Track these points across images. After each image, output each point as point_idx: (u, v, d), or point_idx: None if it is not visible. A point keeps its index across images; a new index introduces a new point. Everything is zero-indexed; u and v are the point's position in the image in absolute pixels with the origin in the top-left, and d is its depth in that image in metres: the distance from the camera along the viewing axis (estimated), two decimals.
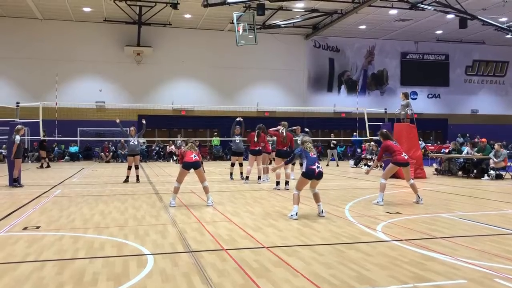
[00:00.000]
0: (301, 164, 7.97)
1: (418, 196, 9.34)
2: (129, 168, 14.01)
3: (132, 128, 14.21)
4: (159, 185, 13.28)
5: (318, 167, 7.72)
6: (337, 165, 22.74)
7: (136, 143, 13.92)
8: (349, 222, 7.32)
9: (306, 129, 16.48)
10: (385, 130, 9.85)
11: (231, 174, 14.95)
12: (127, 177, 13.99)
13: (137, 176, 14.09)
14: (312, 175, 7.72)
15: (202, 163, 9.18)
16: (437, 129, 34.12)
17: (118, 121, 14.31)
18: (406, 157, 9.28)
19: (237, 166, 14.95)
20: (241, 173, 14.79)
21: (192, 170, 8.84)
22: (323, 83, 32.26)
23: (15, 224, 7.17)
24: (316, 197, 7.98)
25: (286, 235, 6.32)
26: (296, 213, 7.73)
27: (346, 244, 5.80)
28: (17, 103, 14.36)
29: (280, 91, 31.05)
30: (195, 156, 8.79)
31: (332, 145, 23.91)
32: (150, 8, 24.83)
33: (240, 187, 12.54)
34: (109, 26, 27.97)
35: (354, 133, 26.72)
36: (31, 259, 5.14)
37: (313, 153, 7.88)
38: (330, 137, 24.79)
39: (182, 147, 9.27)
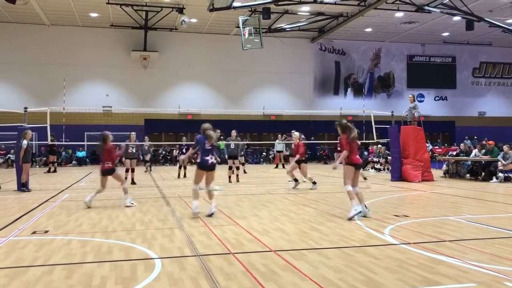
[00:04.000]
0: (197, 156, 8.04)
1: (365, 206, 8.07)
2: (127, 170, 14.81)
3: (132, 134, 15.34)
4: (165, 189, 13.32)
5: (211, 157, 7.96)
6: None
7: (134, 150, 15.06)
8: (357, 225, 7.29)
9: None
10: (344, 121, 8.39)
11: (230, 177, 15.34)
12: (126, 178, 14.32)
13: (132, 179, 14.72)
14: (205, 166, 7.92)
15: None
16: (444, 131, 33.95)
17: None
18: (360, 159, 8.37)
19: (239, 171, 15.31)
20: (237, 176, 15.44)
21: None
22: (329, 86, 32.24)
23: (23, 229, 7.21)
24: (210, 195, 8.13)
25: (294, 239, 6.31)
26: (197, 207, 7.92)
27: (354, 247, 5.78)
28: (25, 108, 14.45)
29: (286, 94, 31.05)
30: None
31: (338, 148, 23.76)
32: (156, 13, 24.95)
33: (247, 191, 12.54)
34: (115, 31, 28.13)
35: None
36: (40, 263, 5.17)
37: (209, 145, 8.01)
38: (337, 140, 24.63)
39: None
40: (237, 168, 15.42)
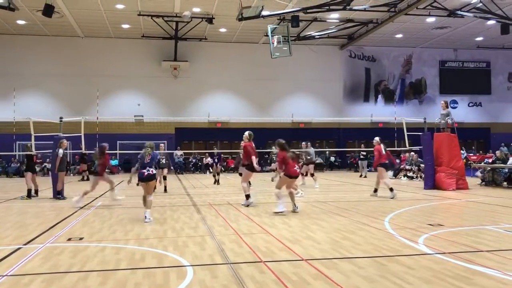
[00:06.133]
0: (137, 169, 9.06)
1: (295, 205, 9.78)
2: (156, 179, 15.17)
3: (161, 145, 16.32)
4: (196, 197, 13.42)
5: (148, 170, 8.91)
6: (365, 176, 22.21)
7: (164, 161, 15.51)
8: (390, 234, 7.16)
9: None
10: (282, 141, 9.93)
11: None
12: (155, 187, 14.95)
13: (165, 187, 15.16)
14: (141, 178, 8.89)
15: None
16: (479, 138, 33.03)
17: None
18: (298, 170, 9.95)
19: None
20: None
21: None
22: (360, 93, 31.90)
23: (59, 235, 7.40)
24: (148, 204, 8.94)
25: (325, 248, 6.24)
26: (148, 216, 8.77)
27: (387, 257, 5.67)
28: (61, 118, 14.90)
29: (316, 102, 30.89)
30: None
31: (361, 156, 23.49)
32: (186, 23, 25.32)
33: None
34: (147, 41, 28.70)
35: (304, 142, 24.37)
36: (76, 269, 5.29)
37: (148, 159, 9.01)
38: (361, 147, 24.33)
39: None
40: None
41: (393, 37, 29.47)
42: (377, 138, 13.01)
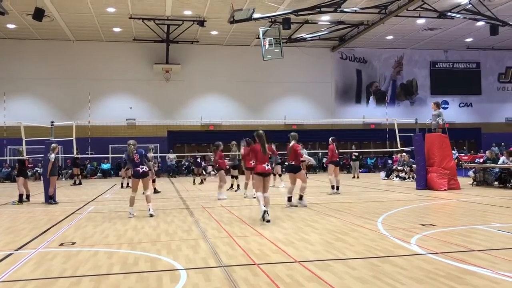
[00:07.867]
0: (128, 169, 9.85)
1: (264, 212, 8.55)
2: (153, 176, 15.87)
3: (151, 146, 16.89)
4: (189, 200, 13.39)
5: (142, 168, 9.74)
6: (358, 177, 22.45)
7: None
8: (382, 235, 7.19)
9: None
10: (262, 131, 9.12)
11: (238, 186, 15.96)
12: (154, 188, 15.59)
13: (154, 188, 15.44)
14: (137, 175, 9.73)
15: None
16: (470, 138, 33.28)
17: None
18: (267, 167, 8.74)
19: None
20: (238, 186, 15.87)
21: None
22: (351, 95, 32.03)
23: (52, 240, 7.35)
24: (147, 199, 9.93)
25: (318, 249, 6.25)
26: (132, 212, 9.81)
27: (380, 257, 5.69)
28: (52, 122, 14.81)
29: (308, 103, 30.98)
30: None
31: (353, 157, 23.66)
32: (178, 26, 25.31)
33: (270, 201, 12.48)
34: (138, 45, 28.64)
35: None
36: (68, 274, 5.25)
37: (137, 159, 9.77)
38: (352, 149, 24.53)
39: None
40: (236, 177, 16.23)
41: (384, 39, 29.64)
42: (330, 139, 14.43)
